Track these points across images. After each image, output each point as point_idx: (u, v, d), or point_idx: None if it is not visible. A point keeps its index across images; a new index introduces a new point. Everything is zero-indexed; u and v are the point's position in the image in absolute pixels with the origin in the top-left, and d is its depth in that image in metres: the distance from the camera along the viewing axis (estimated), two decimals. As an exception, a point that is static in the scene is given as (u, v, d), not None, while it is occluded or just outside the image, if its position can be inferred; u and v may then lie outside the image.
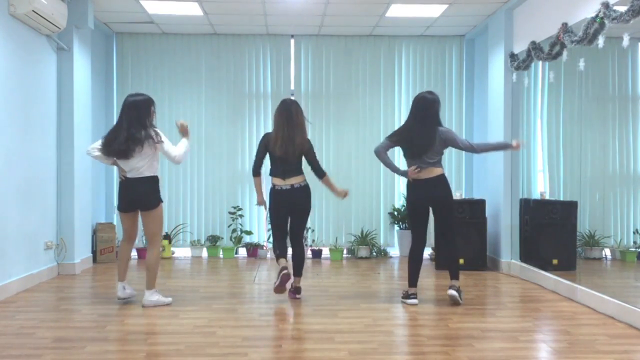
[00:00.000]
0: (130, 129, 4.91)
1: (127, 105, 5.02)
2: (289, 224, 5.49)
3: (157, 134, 5.00)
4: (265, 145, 5.39)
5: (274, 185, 5.40)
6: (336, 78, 8.49)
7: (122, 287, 5.16)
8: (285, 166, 5.32)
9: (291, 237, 5.53)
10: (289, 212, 5.45)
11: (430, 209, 5.32)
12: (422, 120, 5.15)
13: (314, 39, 8.43)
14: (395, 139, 5.27)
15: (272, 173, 5.42)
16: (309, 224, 8.25)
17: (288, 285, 5.29)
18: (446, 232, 5.34)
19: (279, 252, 5.38)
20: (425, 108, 5.18)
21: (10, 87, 5.58)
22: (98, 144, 5.07)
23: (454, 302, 5.20)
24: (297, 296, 5.46)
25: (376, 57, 8.48)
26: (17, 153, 5.67)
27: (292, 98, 5.76)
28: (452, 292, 5.18)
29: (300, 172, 5.40)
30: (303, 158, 5.42)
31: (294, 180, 5.34)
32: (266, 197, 5.57)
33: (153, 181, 5.07)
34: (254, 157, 5.51)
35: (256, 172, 5.44)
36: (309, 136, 5.51)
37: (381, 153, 5.25)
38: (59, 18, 6.12)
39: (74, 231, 6.67)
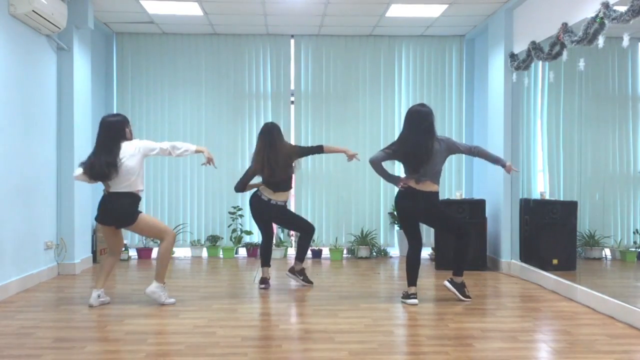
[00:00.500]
0: (105, 152, 4.85)
1: (102, 128, 4.97)
2: (288, 229, 5.93)
3: (116, 165, 4.85)
4: (253, 173, 5.79)
5: (258, 191, 5.81)
6: (336, 78, 8.49)
7: (97, 295, 5.04)
8: (277, 182, 5.72)
9: (294, 230, 6.29)
10: (271, 220, 6.02)
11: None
12: (417, 133, 5.12)
13: (314, 39, 8.43)
14: (392, 152, 5.23)
15: (265, 184, 5.80)
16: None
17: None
18: (455, 232, 5.35)
19: (262, 260, 5.96)
20: (420, 121, 5.14)
21: (10, 87, 5.58)
22: (81, 170, 4.97)
23: (455, 295, 5.28)
24: (300, 278, 5.92)
25: (376, 57, 8.48)
26: (17, 153, 5.67)
27: (273, 122, 6.06)
28: (446, 282, 5.36)
29: (289, 187, 5.88)
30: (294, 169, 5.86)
31: (278, 197, 5.76)
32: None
33: (131, 198, 4.98)
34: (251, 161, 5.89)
35: (241, 190, 5.90)
36: (308, 136, 5.72)
37: (377, 164, 5.23)
38: (59, 18, 6.12)
39: (74, 231, 6.66)
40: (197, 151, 5.18)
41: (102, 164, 4.83)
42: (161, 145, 5.05)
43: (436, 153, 5.11)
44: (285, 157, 5.67)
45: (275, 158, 5.61)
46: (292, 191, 8.25)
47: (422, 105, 5.34)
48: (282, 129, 5.92)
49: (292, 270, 5.98)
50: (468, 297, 5.30)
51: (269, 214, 5.84)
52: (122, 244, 5.42)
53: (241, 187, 5.84)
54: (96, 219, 5.14)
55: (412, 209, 5.22)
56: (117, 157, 4.86)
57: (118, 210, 4.98)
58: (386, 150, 5.28)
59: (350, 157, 5.83)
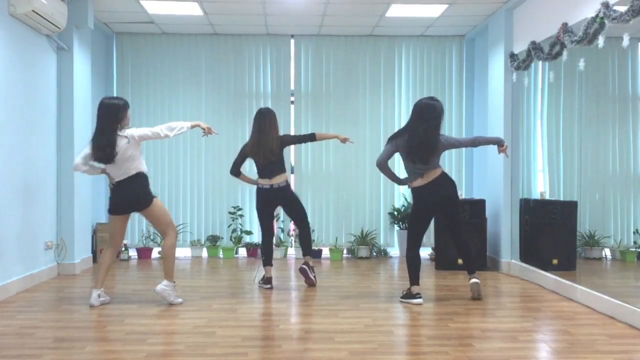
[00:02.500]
0: (106, 134, 4.89)
1: (100, 110, 4.99)
2: (289, 216, 6.23)
3: (114, 145, 4.89)
4: (245, 154, 5.96)
5: (259, 185, 5.90)
6: (336, 78, 8.49)
7: (97, 295, 5.05)
8: (269, 167, 5.82)
9: (295, 223, 6.30)
10: (277, 207, 6.20)
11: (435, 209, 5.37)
12: (426, 127, 5.11)
13: (314, 39, 8.43)
14: (395, 145, 5.23)
15: (260, 175, 5.90)
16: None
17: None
18: (457, 230, 5.38)
19: (265, 258, 5.97)
20: (430, 115, 5.13)
21: (10, 87, 5.58)
22: (81, 156, 5.02)
23: (474, 293, 5.29)
24: (313, 275, 5.90)
25: (376, 57, 8.48)
26: (17, 153, 5.67)
27: (268, 107, 6.21)
28: (475, 279, 5.30)
29: (283, 170, 5.90)
30: (284, 156, 5.94)
31: (277, 180, 5.82)
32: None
33: (141, 178, 5.04)
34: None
35: (235, 173, 6.01)
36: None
37: (384, 166, 5.27)
38: (59, 18, 6.12)
39: (74, 231, 6.66)
40: (193, 126, 5.23)
41: (102, 145, 4.87)
42: (154, 130, 5.06)
43: (439, 148, 5.17)
44: (275, 142, 5.77)
45: (265, 142, 5.75)
46: (293, 189, 8.27)
47: (433, 98, 5.31)
48: (280, 125, 6.04)
49: (307, 264, 5.93)
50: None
51: (275, 199, 5.92)
52: (124, 238, 5.41)
53: (234, 169, 5.99)
54: (109, 211, 5.15)
55: (436, 198, 5.19)
56: (116, 139, 4.88)
57: (133, 194, 5.01)
58: (388, 145, 5.28)
59: (343, 140, 6.01)
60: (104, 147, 4.88)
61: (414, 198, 5.38)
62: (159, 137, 5.09)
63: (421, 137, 5.10)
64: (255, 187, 6.01)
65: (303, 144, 7.71)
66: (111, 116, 4.94)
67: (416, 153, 5.13)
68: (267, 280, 5.90)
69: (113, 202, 5.10)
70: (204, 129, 5.27)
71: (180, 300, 5.17)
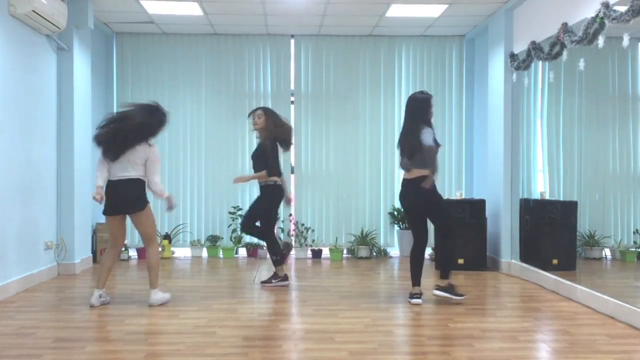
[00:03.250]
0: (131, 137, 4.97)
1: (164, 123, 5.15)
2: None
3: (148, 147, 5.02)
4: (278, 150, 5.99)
5: (277, 183, 5.91)
6: (336, 78, 8.49)
7: (99, 295, 5.05)
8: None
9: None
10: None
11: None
12: (412, 120, 5.16)
13: (314, 39, 8.43)
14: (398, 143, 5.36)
15: (279, 174, 5.96)
16: (309, 224, 8.32)
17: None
18: (441, 230, 5.36)
19: (280, 258, 5.99)
20: (415, 108, 5.19)
21: (10, 87, 5.58)
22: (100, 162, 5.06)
23: (450, 299, 5.24)
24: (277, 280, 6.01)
25: (376, 57, 8.48)
26: (17, 153, 5.67)
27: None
28: (434, 291, 5.21)
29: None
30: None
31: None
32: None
33: (138, 183, 5.03)
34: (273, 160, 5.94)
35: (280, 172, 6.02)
36: (308, 136, 5.82)
37: (406, 164, 5.28)
38: (59, 18, 6.12)
39: (74, 231, 6.66)
40: (165, 197, 5.19)
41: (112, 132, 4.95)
42: (153, 174, 5.04)
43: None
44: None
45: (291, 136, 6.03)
46: (293, 190, 8.27)
47: (421, 92, 5.38)
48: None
49: (282, 276, 6.01)
50: (461, 295, 5.24)
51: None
52: (125, 238, 5.41)
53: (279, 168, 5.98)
54: (103, 212, 5.13)
55: (406, 199, 5.25)
56: (127, 147, 4.93)
57: (128, 196, 5.01)
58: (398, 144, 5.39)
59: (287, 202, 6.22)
60: (115, 138, 4.94)
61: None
62: (147, 179, 5.08)
63: (407, 132, 5.17)
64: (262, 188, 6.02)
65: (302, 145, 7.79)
66: (149, 134, 5.06)
67: (402, 146, 5.22)
68: (285, 277, 6.01)
69: (108, 202, 5.05)
70: (170, 204, 5.24)
71: (168, 294, 5.22)
